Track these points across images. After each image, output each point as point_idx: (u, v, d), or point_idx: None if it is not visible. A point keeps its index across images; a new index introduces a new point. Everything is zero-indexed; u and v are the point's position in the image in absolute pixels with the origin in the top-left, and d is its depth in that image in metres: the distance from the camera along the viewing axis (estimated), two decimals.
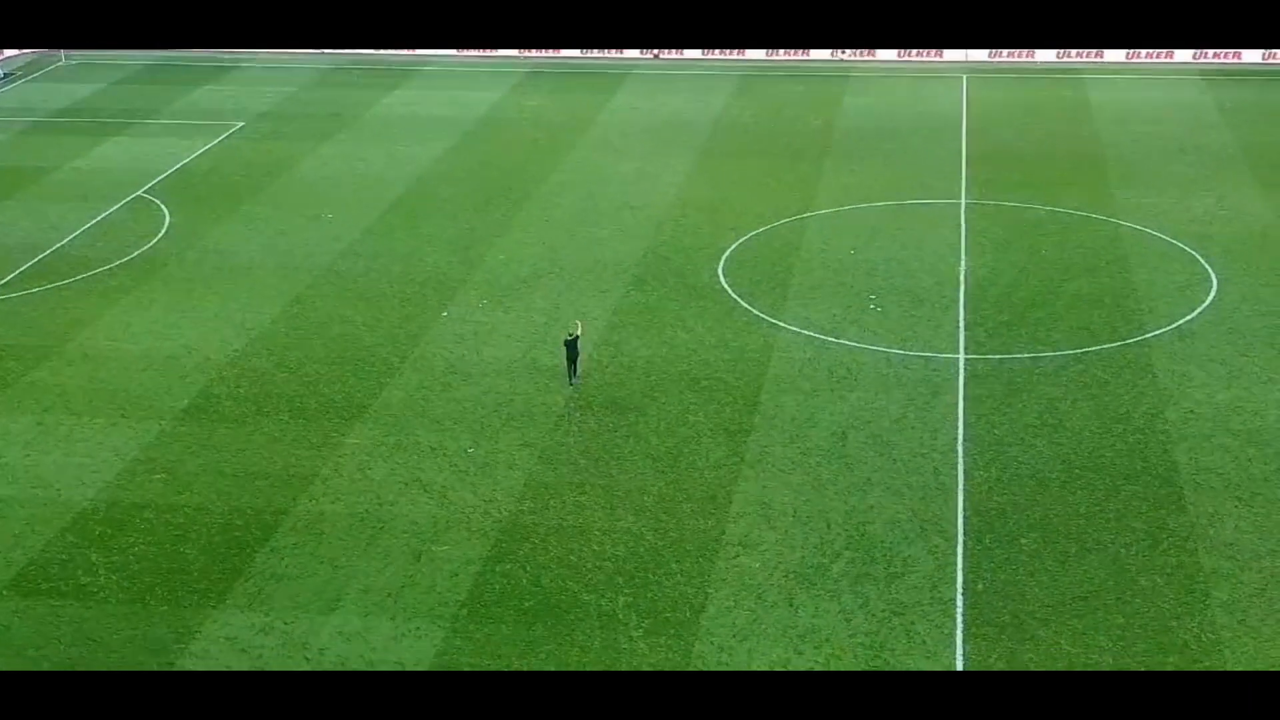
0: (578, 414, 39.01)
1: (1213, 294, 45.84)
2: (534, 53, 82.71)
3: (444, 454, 37.14)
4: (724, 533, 33.28)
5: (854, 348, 42.58)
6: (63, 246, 52.54)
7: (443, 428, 38.54)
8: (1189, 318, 44.08)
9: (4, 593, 31.73)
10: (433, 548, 32.97)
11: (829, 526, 33.42)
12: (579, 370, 41.10)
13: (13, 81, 78.84)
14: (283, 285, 48.40)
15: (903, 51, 79.68)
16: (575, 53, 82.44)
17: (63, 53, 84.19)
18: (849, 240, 51.35)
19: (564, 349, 41.22)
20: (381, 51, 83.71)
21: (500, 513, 34.34)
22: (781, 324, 44.29)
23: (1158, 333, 43.10)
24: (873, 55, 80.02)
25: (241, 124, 68.74)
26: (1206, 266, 48.08)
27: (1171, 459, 36.02)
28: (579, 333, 41.43)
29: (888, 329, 43.77)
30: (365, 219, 54.81)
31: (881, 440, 37.25)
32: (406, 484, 35.73)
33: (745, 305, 45.78)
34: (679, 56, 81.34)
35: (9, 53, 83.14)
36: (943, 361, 41.57)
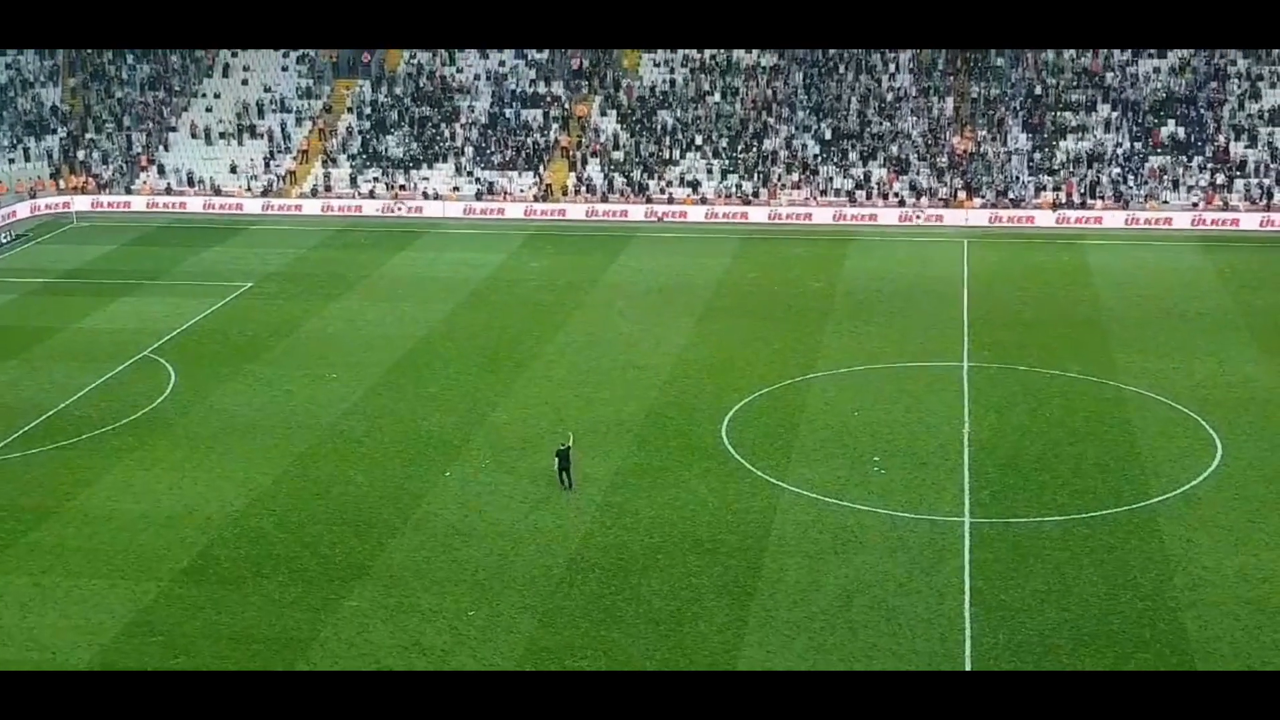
0: (579, 576, 38.65)
1: (1218, 459, 45.71)
2: (539, 215, 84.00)
3: (444, 617, 36.71)
4: None
5: (858, 510, 42.36)
6: (67, 406, 52.65)
7: (443, 589, 38.15)
8: (1195, 483, 43.89)
9: None
10: None
11: None
12: (574, 480, 43.52)
13: (25, 242, 79.96)
14: (285, 445, 48.38)
15: (904, 216, 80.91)
16: (580, 215, 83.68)
17: (74, 213, 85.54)
18: (852, 402, 51.45)
19: (555, 459, 43.79)
20: (388, 215, 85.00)
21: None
22: (785, 485, 44.13)
23: (1164, 498, 42.87)
24: (874, 220, 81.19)
25: (249, 284, 69.50)
26: (1210, 431, 48.05)
27: (1181, 627, 35.55)
28: (570, 444, 44.11)
29: (892, 491, 43.59)
30: (369, 379, 55.03)
31: (886, 605, 36.81)
32: (406, 648, 35.24)
33: (748, 466, 45.68)
34: (682, 220, 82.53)
35: (21, 214, 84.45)
36: (948, 525, 41.30)
